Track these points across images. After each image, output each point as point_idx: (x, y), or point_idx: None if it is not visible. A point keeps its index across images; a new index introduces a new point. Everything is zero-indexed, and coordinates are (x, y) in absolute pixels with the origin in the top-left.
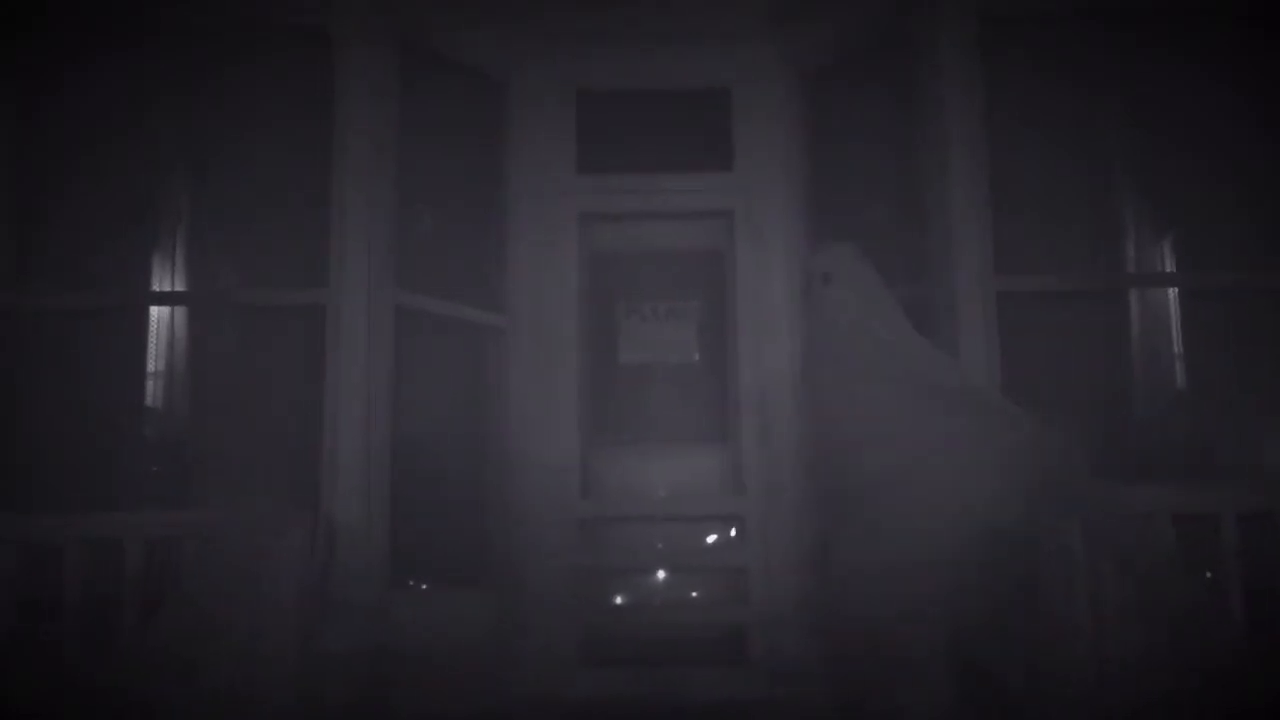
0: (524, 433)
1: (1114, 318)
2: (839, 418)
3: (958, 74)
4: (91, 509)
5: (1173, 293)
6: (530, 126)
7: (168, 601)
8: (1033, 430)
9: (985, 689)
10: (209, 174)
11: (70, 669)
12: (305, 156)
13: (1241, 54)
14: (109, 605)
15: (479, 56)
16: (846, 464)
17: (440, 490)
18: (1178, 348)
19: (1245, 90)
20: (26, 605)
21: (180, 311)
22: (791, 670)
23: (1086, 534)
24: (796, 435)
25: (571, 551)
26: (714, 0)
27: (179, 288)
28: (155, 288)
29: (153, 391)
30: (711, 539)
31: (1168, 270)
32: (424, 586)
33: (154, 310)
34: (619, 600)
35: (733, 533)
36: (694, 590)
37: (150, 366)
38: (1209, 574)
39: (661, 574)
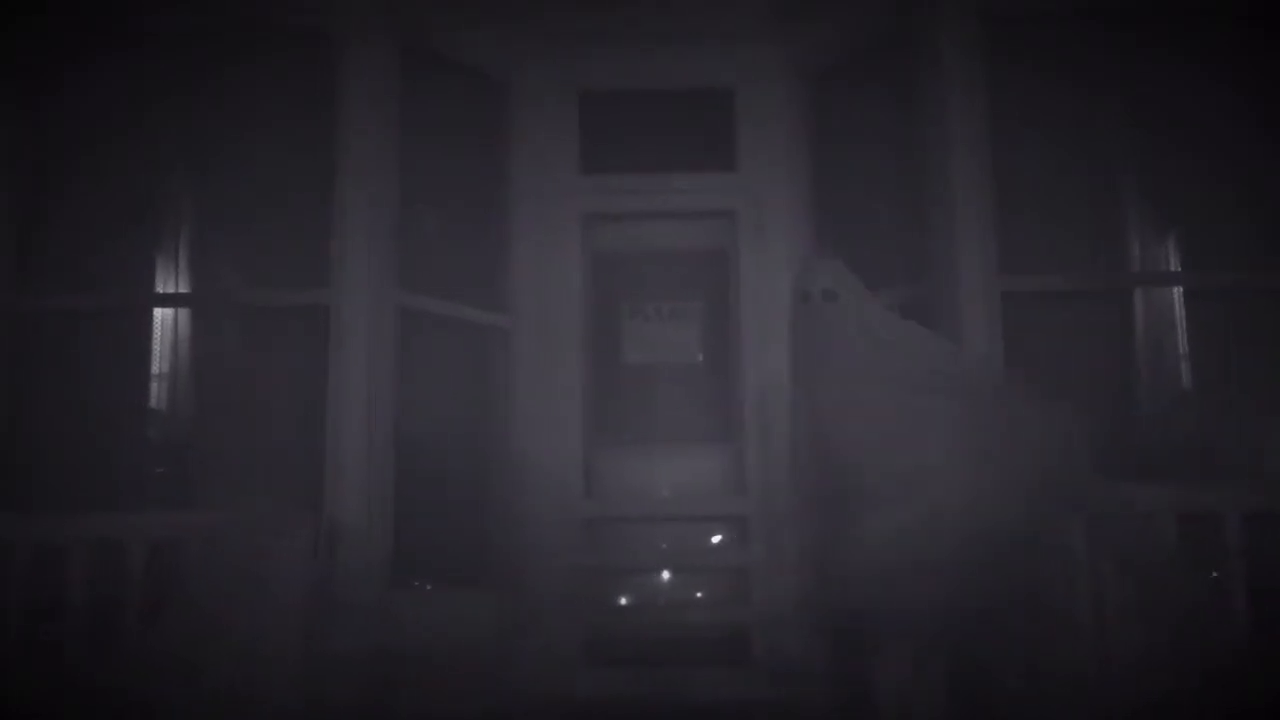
0: (526, 433)
1: (1117, 317)
2: (845, 419)
3: (960, 74)
4: (95, 510)
5: (1176, 292)
6: (532, 127)
7: (171, 602)
8: (1035, 430)
9: (985, 689)
10: (211, 174)
11: (74, 670)
12: (307, 157)
13: (1241, 54)
14: (112, 606)
15: (479, 56)
16: (847, 466)
17: (443, 490)
18: (1181, 347)
19: (1245, 90)
20: (30, 606)
21: (183, 312)
22: (793, 670)
23: (1088, 533)
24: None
25: (574, 551)
26: (716, 0)
27: (182, 289)
28: (158, 289)
29: (156, 392)
30: (715, 539)
31: (1172, 270)
32: (427, 587)
33: (157, 311)
34: (622, 600)
35: (717, 539)
36: (697, 590)
37: (154, 368)
38: (1214, 574)
39: (664, 574)
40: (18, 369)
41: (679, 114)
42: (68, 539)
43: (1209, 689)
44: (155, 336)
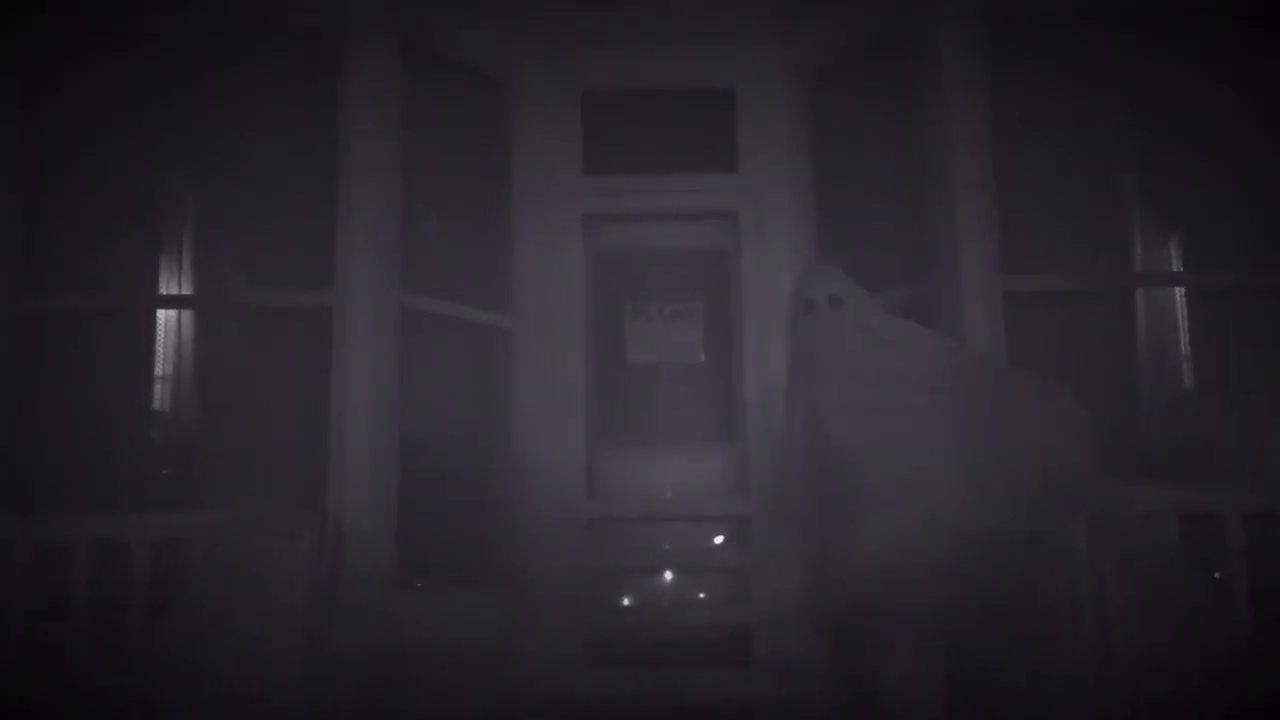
0: (528, 433)
1: (1118, 317)
2: (846, 421)
3: (960, 74)
4: (98, 511)
5: (1178, 292)
6: (534, 127)
7: (175, 603)
8: (1037, 428)
9: (985, 689)
10: (213, 175)
11: (76, 670)
12: (309, 157)
13: (1241, 54)
14: (115, 607)
15: (479, 56)
16: (847, 467)
17: (446, 491)
18: (1183, 347)
19: (1245, 90)
20: (33, 606)
21: (185, 313)
22: (796, 670)
23: (1090, 533)
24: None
25: (576, 552)
26: (718, 1)
27: (184, 289)
28: (161, 290)
29: (159, 394)
30: (717, 540)
31: (1174, 270)
32: (430, 587)
33: (159, 312)
34: (624, 600)
35: (719, 539)
36: (699, 591)
37: (156, 369)
38: (1217, 574)
39: (666, 575)
40: (20, 370)
41: (681, 114)
42: (70, 539)
43: (1209, 689)
44: (158, 338)
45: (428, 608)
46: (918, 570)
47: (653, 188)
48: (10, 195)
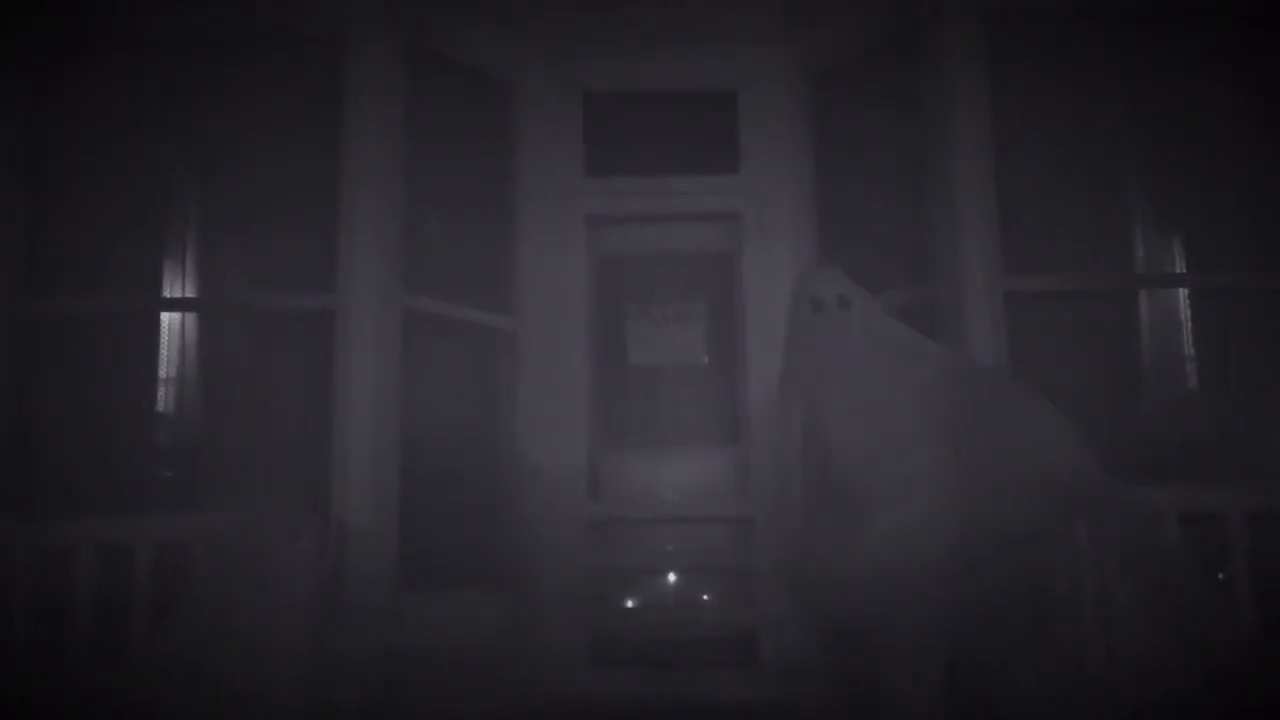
0: (532, 435)
1: (1120, 318)
2: (849, 422)
3: (961, 74)
4: (102, 513)
5: (1181, 293)
6: (536, 128)
7: (178, 605)
8: (1035, 429)
9: (986, 689)
10: (216, 177)
11: (81, 673)
12: (312, 159)
13: (1241, 54)
14: (118, 609)
15: (479, 56)
16: (848, 469)
17: (449, 493)
18: (1186, 348)
19: (1245, 90)
20: (38, 609)
21: (189, 316)
22: (799, 671)
23: (1093, 534)
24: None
25: (580, 553)
26: (719, 1)
27: (188, 292)
28: (165, 292)
29: (162, 396)
30: (721, 541)
31: (1177, 270)
32: (434, 589)
33: (164, 315)
34: (627, 602)
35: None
36: (702, 592)
37: (160, 371)
38: (1220, 575)
39: (670, 576)
40: (23, 372)
41: (682, 115)
42: (74, 542)
43: (1210, 689)
44: (160, 339)
45: (430, 608)
46: (918, 570)
47: (655, 189)
48: (12, 196)
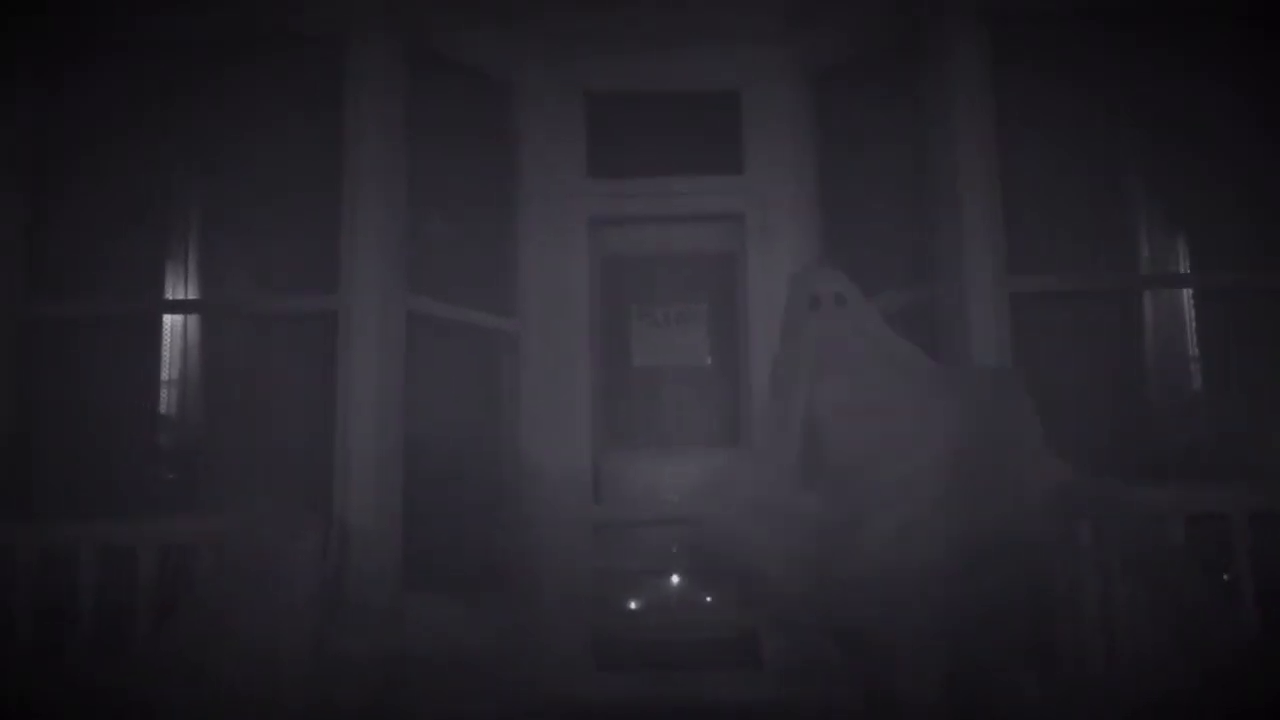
0: (534, 436)
1: (1124, 318)
2: (849, 422)
3: (963, 74)
4: (105, 515)
5: (1185, 293)
6: (537, 129)
7: (181, 606)
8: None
9: (986, 689)
10: (218, 179)
11: (82, 673)
12: (314, 160)
13: (1241, 54)
14: (121, 611)
15: (479, 56)
16: (847, 468)
17: (452, 494)
18: (1190, 348)
19: (1245, 90)
20: (41, 611)
21: (191, 317)
22: (799, 671)
23: (1096, 535)
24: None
25: (584, 555)
26: (719, 1)
27: (190, 294)
28: (167, 294)
29: (165, 397)
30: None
31: (1182, 270)
32: (435, 589)
33: (165, 317)
34: (631, 603)
35: None
36: (705, 593)
37: (163, 373)
38: (1225, 576)
39: (673, 577)
40: (26, 374)
41: (685, 116)
42: (76, 543)
43: (1211, 689)
44: (163, 341)
45: (432, 609)
46: (918, 571)
47: (658, 190)
48: (13, 196)
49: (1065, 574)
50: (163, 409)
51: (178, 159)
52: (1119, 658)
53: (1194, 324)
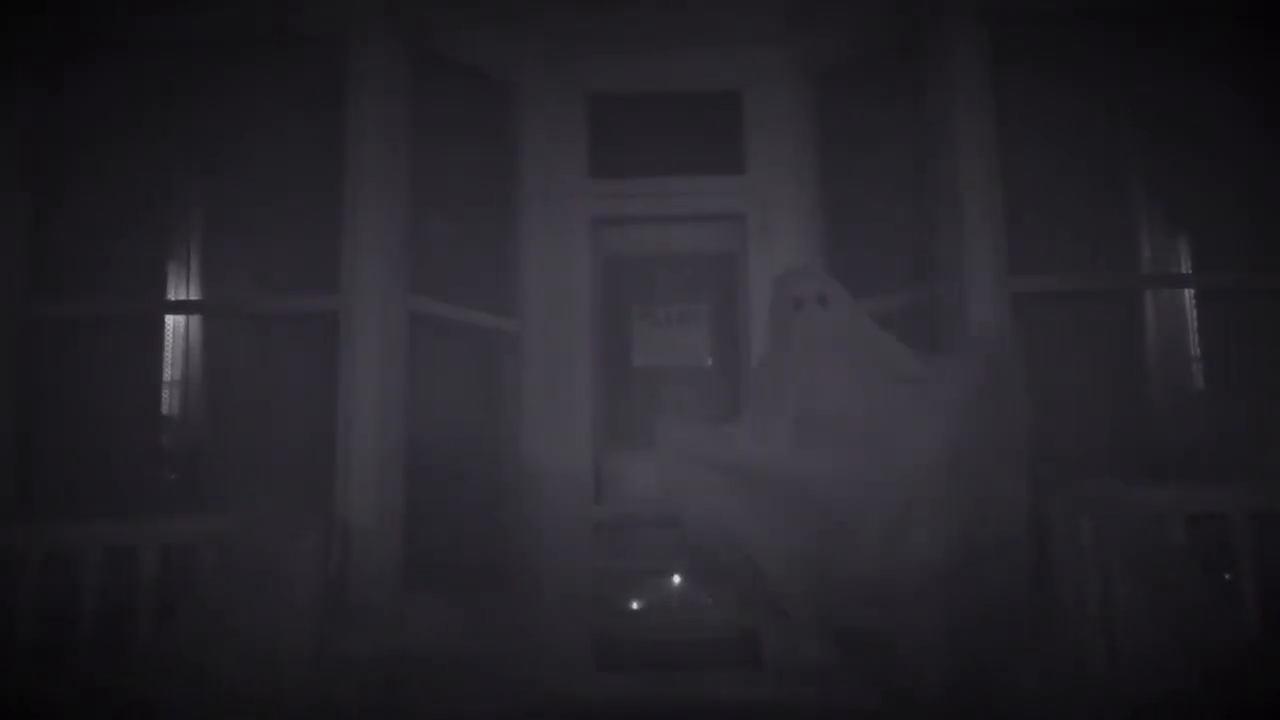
0: (536, 436)
1: (1126, 318)
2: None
3: (964, 74)
4: (107, 516)
5: (1187, 293)
6: (538, 129)
7: (183, 606)
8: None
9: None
10: (219, 179)
11: (83, 673)
12: (315, 160)
13: (1241, 54)
14: (124, 611)
15: (479, 56)
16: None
17: (454, 494)
18: (1192, 348)
19: (1245, 90)
20: (42, 610)
21: (194, 318)
22: (803, 672)
23: (1096, 535)
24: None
25: (585, 555)
26: (719, 1)
27: (193, 294)
28: (169, 295)
29: (167, 398)
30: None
31: (1183, 270)
32: (438, 590)
33: (167, 317)
34: (632, 602)
35: None
36: (707, 593)
37: (165, 374)
38: (1226, 575)
39: (675, 577)
40: (28, 374)
41: (689, 116)
42: (78, 544)
43: (1211, 688)
44: (165, 342)
45: (433, 609)
46: (918, 570)
47: (658, 190)
48: (14, 197)
49: (1073, 574)
50: (164, 409)
51: (178, 159)
52: (1119, 658)
53: (1194, 324)
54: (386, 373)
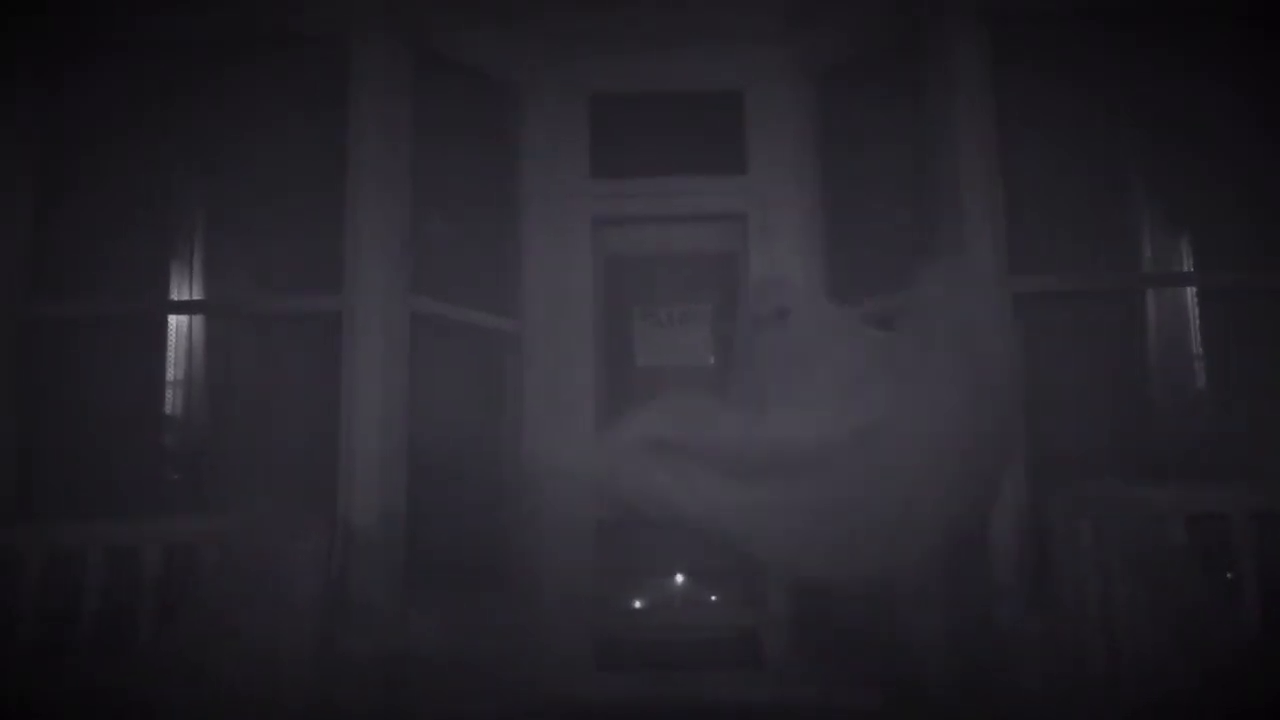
0: (539, 436)
1: (1128, 317)
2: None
3: (964, 74)
4: (110, 517)
5: (1189, 292)
6: (540, 129)
7: (184, 606)
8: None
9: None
10: (220, 180)
11: (86, 674)
12: (316, 161)
13: (1241, 54)
14: (127, 611)
15: (481, 57)
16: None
17: (456, 494)
18: (1193, 348)
19: (1245, 90)
20: (45, 611)
21: (196, 318)
22: (799, 671)
23: (1096, 535)
24: None
25: (587, 555)
26: (719, 1)
27: (195, 294)
28: (172, 295)
29: (169, 398)
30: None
31: (1185, 270)
32: (439, 589)
33: (170, 318)
34: (634, 602)
35: None
36: (710, 593)
37: (168, 374)
38: (1228, 575)
39: (677, 577)
40: (29, 375)
41: (690, 117)
42: (80, 544)
43: (1211, 688)
44: (168, 342)
45: (439, 610)
46: (918, 565)
47: (659, 190)
48: (15, 197)
49: (1073, 574)
50: (165, 409)
51: (178, 159)
52: (1119, 658)
53: (1195, 324)
54: (388, 373)
